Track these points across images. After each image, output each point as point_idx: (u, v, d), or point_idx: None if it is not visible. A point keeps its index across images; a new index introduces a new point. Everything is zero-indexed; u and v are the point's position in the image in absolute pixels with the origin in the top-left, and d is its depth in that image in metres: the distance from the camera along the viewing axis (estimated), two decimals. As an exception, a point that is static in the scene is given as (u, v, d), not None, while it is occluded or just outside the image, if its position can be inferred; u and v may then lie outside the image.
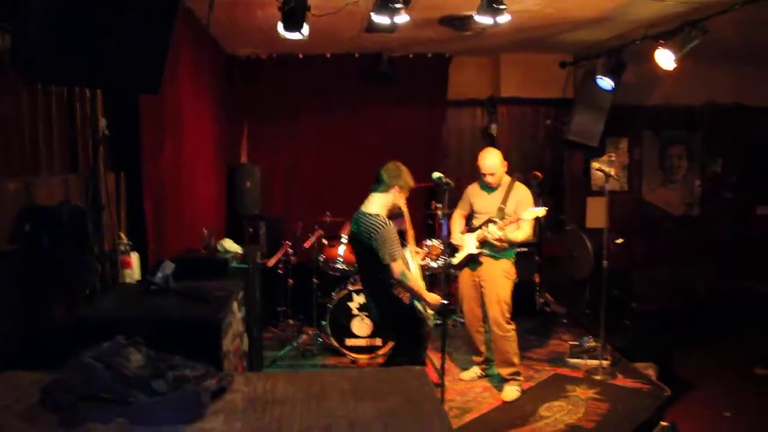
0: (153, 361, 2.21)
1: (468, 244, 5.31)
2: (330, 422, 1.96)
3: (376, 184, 4.41)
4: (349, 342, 6.15)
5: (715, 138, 8.74)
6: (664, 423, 4.83)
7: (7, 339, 2.72)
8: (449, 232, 5.32)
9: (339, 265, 6.50)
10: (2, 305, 2.69)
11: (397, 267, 4.17)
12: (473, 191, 5.50)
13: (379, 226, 4.19)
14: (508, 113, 8.20)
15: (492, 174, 5.23)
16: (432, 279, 6.80)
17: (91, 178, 3.55)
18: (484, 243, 5.23)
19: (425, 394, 2.19)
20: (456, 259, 5.40)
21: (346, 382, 2.30)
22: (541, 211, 5.06)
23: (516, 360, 5.33)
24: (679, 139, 8.77)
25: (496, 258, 5.28)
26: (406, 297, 4.39)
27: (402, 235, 4.47)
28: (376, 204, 4.35)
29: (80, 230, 3.02)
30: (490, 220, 5.22)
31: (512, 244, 5.25)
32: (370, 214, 4.29)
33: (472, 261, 5.36)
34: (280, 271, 6.74)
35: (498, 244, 5.13)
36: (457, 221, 5.54)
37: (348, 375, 2.40)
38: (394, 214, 4.44)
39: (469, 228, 5.43)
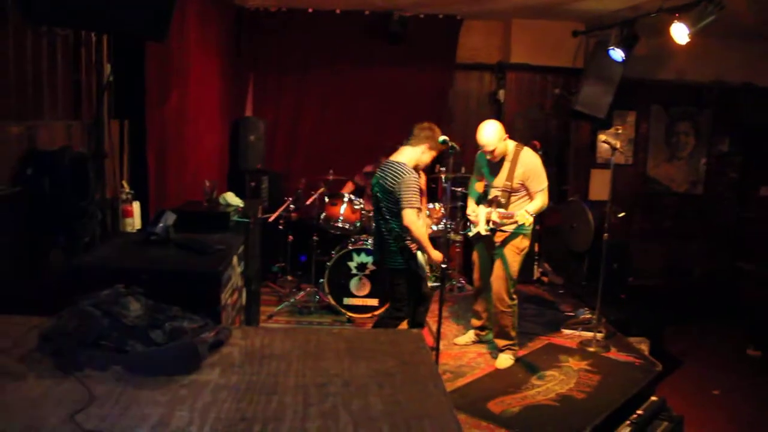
0: (151, 312, 2.21)
1: (479, 223, 5.20)
2: (325, 380, 1.97)
3: (408, 138, 4.61)
4: (347, 301, 6.19)
5: (723, 117, 8.68)
6: (654, 398, 4.89)
7: (5, 282, 2.72)
8: (451, 196, 5.26)
9: (339, 224, 6.50)
10: (3, 248, 2.69)
11: (410, 214, 4.33)
12: (483, 160, 5.28)
13: (404, 172, 4.39)
14: (516, 80, 8.11)
15: (491, 151, 5.00)
16: (432, 242, 6.78)
17: (95, 125, 3.52)
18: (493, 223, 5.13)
19: (421, 356, 2.20)
20: (471, 232, 5.35)
21: (342, 341, 2.31)
22: (529, 219, 4.82)
23: (513, 334, 5.32)
24: (687, 116, 8.70)
25: (508, 238, 5.17)
26: (413, 247, 4.51)
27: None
28: (405, 155, 4.56)
29: (81, 176, 3.00)
30: (495, 201, 5.13)
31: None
32: (398, 162, 4.49)
33: (482, 239, 5.31)
34: (280, 227, 6.74)
35: (506, 224, 5.06)
36: (474, 191, 5.43)
37: (345, 334, 2.41)
38: (417, 171, 4.56)
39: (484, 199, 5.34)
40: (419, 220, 4.48)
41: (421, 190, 4.60)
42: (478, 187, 5.43)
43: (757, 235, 8.58)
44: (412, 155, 4.55)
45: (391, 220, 4.50)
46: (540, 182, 5.06)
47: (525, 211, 4.83)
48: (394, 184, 4.38)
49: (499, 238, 5.21)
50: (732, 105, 8.53)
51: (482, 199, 5.34)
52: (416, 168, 4.52)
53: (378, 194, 4.59)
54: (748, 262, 7.29)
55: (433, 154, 4.60)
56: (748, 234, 8.76)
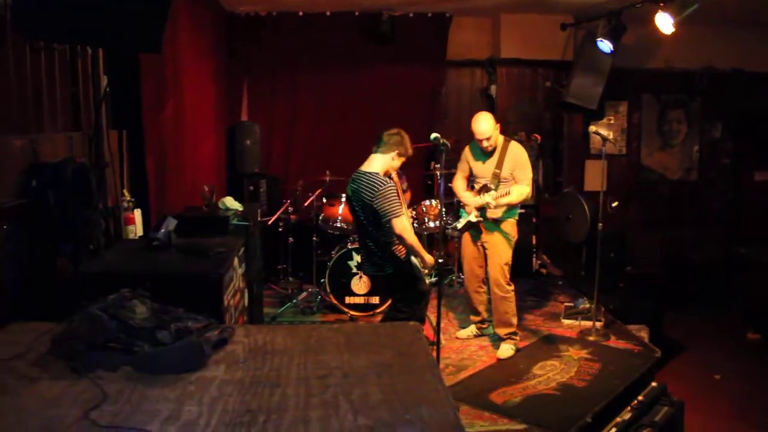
0: (157, 314, 2.31)
1: (470, 212, 5.37)
2: (326, 372, 2.06)
3: (377, 145, 4.55)
4: (348, 300, 6.27)
5: (713, 103, 8.74)
6: (654, 384, 4.97)
7: (15, 290, 2.81)
8: (446, 192, 5.37)
9: (338, 224, 6.59)
10: (11, 258, 2.77)
11: (399, 222, 4.30)
12: (469, 154, 5.49)
13: (380, 184, 4.32)
14: (507, 74, 8.18)
15: (487, 139, 5.18)
16: (430, 239, 6.88)
17: (94, 136, 3.60)
18: (482, 211, 5.29)
19: (418, 348, 2.29)
20: (459, 224, 5.48)
21: (341, 336, 2.40)
22: (527, 190, 5.14)
23: (514, 321, 5.43)
24: (679, 104, 8.76)
25: (498, 221, 5.31)
26: (402, 252, 4.52)
27: None
28: (376, 164, 4.50)
29: (84, 186, 3.08)
30: (485, 188, 5.28)
31: (511, 206, 5.29)
32: (370, 173, 4.42)
33: (472, 227, 5.43)
34: (280, 229, 6.83)
35: (493, 207, 5.18)
36: (460, 183, 5.58)
37: (344, 329, 2.50)
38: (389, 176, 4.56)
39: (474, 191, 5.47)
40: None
41: (405, 189, 4.65)
42: (462, 179, 5.59)
43: (752, 219, 8.66)
44: (382, 163, 4.49)
45: (374, 231, 4.48)
46: (527, 173, 5.27)
47: (518, 187, 5.09)
48: (371, 198, 4.33)
49: (487, 228, 5.35)
50: (722, 91, 8.60)
51: (468, 188, 5.53)
52: (387, 174, 4.51)
53: (355, 206, 4.55)
54: (744, 247, 7.35)
55: (402, 159, 4.57)
56: (743, 219, 8.84)
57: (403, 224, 4.32)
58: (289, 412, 1.79)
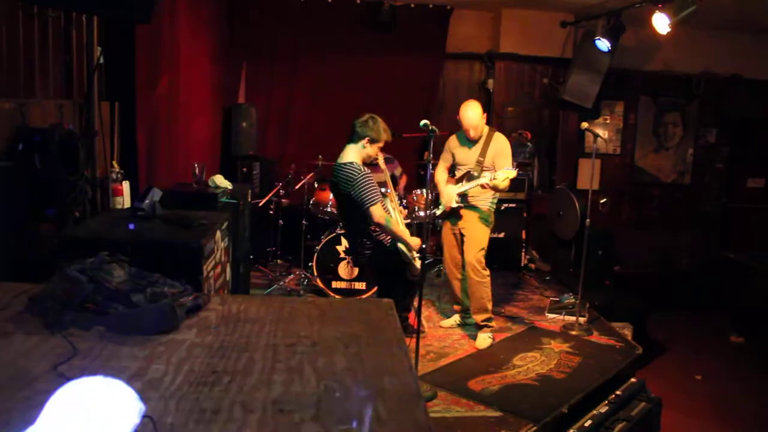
0: (134, 278, 2.35)
1: (449, 198, 5.45)
2: (294, 341, 2.10)
3: (350, 135, 4.48)
4: (335, 284, 6.31)
5: (710, 108, 8.79)
6: (633, 380, 5.03)
7: (-2, 251, 2.85)
8: (432, 180, 5.41)
9: (328, 209, 6.62)
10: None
11: (376, 210, 4.27)
12: (454, 143, 5.57)
13: (354, 172, 4.29)
14: (505, 69, 8.22)
15: (474, 127, 5.29)
16: (419, 228, 6.91)
17: (85, 105, 3.63)
18: (463, 197, 5.38)
19: (388, 323, 2.32)
20: (439, 210, 5.56)
21: (314, 308, 2.43)
22: (513, 173, 5.13)
23: (489, 306, 5.49)
24: (675, 107, 8.81)
25: (476, 210, 5.40)
26: (387, 240, 4.52)
27: (395, 181, 4.59)
28: (350, 154, 4.43)
29: (71, 153, 3.12)
30: (468, 175, 5.36)
31: (496, 190, 5.35)
32: (344, 163, 4.37)
33: (452, 214, 5.50)
34: (271, 212, 6.86)
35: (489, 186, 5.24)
36: (441, 172, 5.65)
37: (317, 303, 2.54)
38: (369, 164, 4.53)
39: (454, 178, 5.55)
40: (392, 211, 4.55)
41: (382, 183, 4.65)
42: (443, 169, 5.66)
43: (743, 225, 8.72)
44: (355, 152, 4.42)
45: (359, 221, 4.47)
46: (508, 161, 5.34)
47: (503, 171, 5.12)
48: (348, 187, 4.31)
49: (465, 214, 5.43)
50: (719, 96, 8.65)
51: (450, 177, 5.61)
52: (366, 162, 4.47)
53: (339, 198, 4.56)
54: (733, 252, 7.41)
55: (378, 145, 4.45)
56: (734, 224, 8.90)
57: (380, 212, 4.29)
58: (254, 375, 1.83)
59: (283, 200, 6.84)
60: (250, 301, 2.48)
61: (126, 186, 4.03)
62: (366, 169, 4.36)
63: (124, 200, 3.99)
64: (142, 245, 2.76)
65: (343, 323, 2.28)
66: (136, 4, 2.88)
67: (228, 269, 3.64)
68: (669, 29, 5.60)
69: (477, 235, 5.39)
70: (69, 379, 1.73)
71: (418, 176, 7.94)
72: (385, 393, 1.76)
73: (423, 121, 4.48)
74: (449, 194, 5.45)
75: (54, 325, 2.10)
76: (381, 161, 4.75)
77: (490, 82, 8.21)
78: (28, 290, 2.37)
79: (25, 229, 3.02)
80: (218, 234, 3.22)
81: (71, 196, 3.12)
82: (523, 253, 7.95)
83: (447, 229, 5.64)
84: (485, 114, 5.40)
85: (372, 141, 4.41)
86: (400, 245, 4.56)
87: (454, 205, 5.41)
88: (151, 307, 2.15)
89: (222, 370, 1.85)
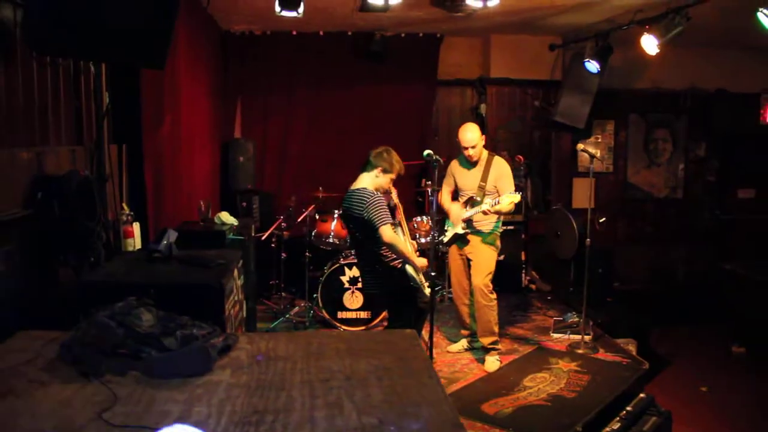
0: (163, 321, 2.38)
1: (456, 218, 5.52)
2: (328, 376, 2.13)
3: (364, 165, 4.74)
4: (341, 315, 6.33)
5: (698, 122, 8.92)
6: (642, 395, 5.05)
7: (21, 300, 2.87)
8: (438, 208, 5.48)
9: (331, 240, 6.66)
10: (18, 267, 2.83)
11: (386, 230, 4.44)
12: (455, 167, 5.69)
13: (368, 195, 4.52)
14: (497, 93, 8.33)
15: (473, 147, 5.39)
16: (422, 255, 6.94)
17: (96, 150, 3.68)
18: (468, 223, 5.45)
19: (415, 353, 2.37)
20: (446, 237, 5.62)
21: (341, 342, 2.48)
22: (517, 197, 5.17)
23: (496, 329, 5.55)
24: (665, 123, 8.93)
25: (484, 232, 5.47)
26: (397, 263, 4.64)
27: (392, 212, 4.70)
28: (364, 181, 4.69)
29: (88, 198, 3.15)
30: (471, 200, 5.45)
31: (498, 217, 5.45)
32: (358, 189, 4.62)
33: (459, 239, 5.57)
34: (273, 245, 6.89)
35: (491, 213, 5.29)
36: (446, 197, 5.74)
37: (343, 336, 2.59)
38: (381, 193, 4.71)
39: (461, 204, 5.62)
40: (402, 236, 4.70)
41: (394, 206, 4.81)
42: (447, 193, 5.75)
43: (737, 236, 8.82)
44: (369, 180, 4.67)
45: (368, 244, 4.63)
46: (510, 185, 5.44)
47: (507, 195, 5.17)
48: (361, 210, 4.51)
49: (474, 239, 5.49)
50: (707, 111, 8.78)
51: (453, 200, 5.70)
52: (378, 191, 4.68)
53: (350, 224, 4.77)
54: (729, 263, 7.47)
55: (390, 176, 4.71)
56: (728, 235, 8.99)
57: (390, 232, 4.46)
58: (295, 413, 1.86)
59: (284, 232, 6.87)
60: (278, 338, 2.52)
61: (136, 227, 4.06)
62: (378, 193, 4.58)
63: (135, 242, 4.01)
64: (164, 287, 2.79)
65: (372, 355, 2.32)
66: (151, 52, 2.94)
67: (244, 306, 3.66)
68: (658, 50, 5.72)
69: (484, 259, 5.45)
70: (116, 427, 1.76)
71: (416, 204, 8.00)
72: (426, 424, 1.80)
73: (426, 151, 4.59)
74: (457, 214, 5.53)
75: (90, 372, 2.13)
76: (394, 195, 4.94)
77: (483, 106, 8.31)
78: (56, 338, 2.40)
79: (45, 276, 3.04)
80: (235, 272, 3.25)
81: (89, 241, 3.15)
82: (523, 275, 8.00)
83: (454, 254, 5.70)
84: (484, 136, 5.50)
85: (385, 171, 4.66)
86: (409, 268, 4.64)
87: (460, 231, 5.48)
88: (186, 350, 2.18)
89: (263, 410, 1.88)
